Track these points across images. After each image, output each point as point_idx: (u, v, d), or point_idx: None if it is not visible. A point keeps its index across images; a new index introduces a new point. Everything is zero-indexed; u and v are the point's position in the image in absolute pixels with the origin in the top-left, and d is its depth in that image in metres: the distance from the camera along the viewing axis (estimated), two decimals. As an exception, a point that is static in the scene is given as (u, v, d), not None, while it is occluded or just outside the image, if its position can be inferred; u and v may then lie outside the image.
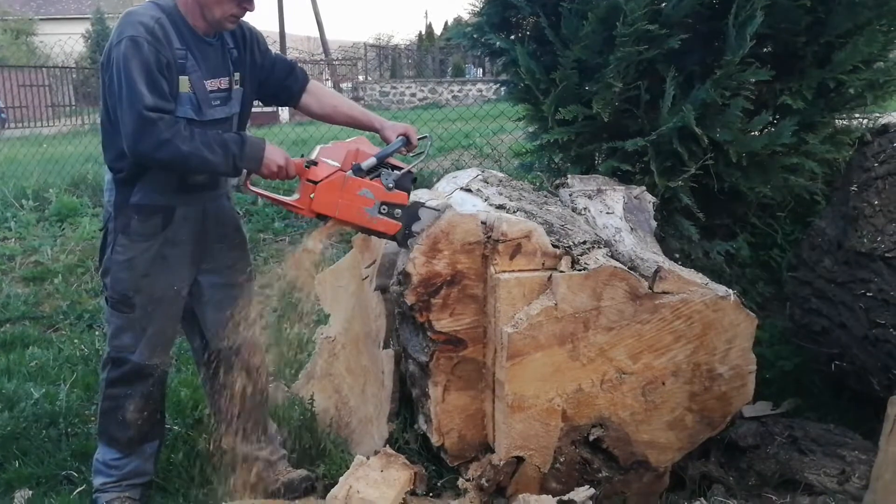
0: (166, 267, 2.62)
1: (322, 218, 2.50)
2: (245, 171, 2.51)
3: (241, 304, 2.79)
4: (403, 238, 2.55)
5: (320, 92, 2.89)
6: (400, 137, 2.64)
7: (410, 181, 2.54)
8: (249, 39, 2.69)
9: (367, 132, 2.86)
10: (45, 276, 5.60)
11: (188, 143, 2.35)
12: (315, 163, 2.46)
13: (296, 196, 2.50)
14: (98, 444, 2.81)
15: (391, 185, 2.47)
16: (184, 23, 2.48)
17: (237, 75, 2.65)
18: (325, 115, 2.87)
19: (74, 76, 20.46)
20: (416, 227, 2.53)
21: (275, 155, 2.49)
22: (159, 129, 2.31)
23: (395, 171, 2.50)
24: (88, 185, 7.63)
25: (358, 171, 2.45)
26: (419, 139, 2.68)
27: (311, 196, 2.44)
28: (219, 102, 2.58)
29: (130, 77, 2.32)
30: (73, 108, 19.27)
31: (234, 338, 2.79)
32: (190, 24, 2.50)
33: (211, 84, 2.55)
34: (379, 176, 2.48)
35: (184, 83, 2.45)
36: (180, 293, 2.69)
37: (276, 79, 2.78)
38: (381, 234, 2.56)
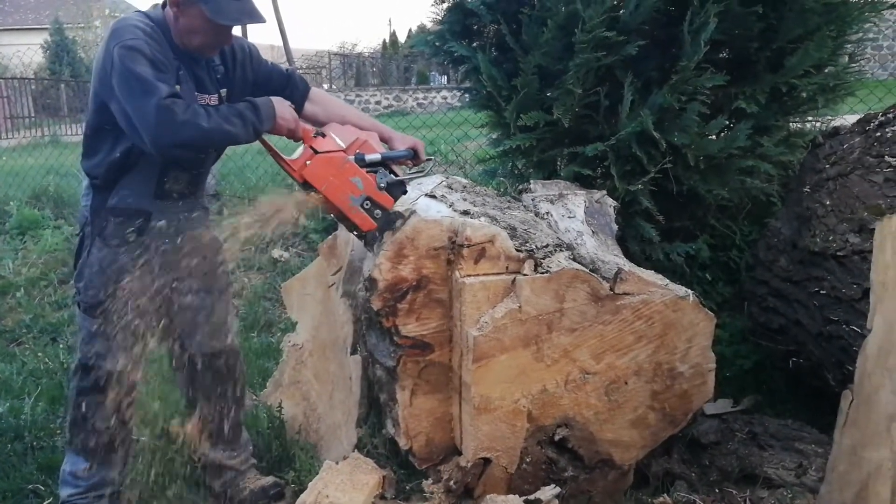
0: (139, 274, 2.59)
1: (307, 187, 2.51)
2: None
3: (219, 310, 2.78)
4: (373, 240, 2.58)
5: (325, 101, 2.87)
6: (408, 149, 2.67)
7: (401, 190, 2.57)
8: (240, 56, 2.70)
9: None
10: (6, 289, 5.53)
11: (207, 121, 2.33)
12: (323, 134, 2.50)
13: (294, 157, 2.51)
14: (66, 454, 2.77)
15: (383, 185, 2.50)
16: (171, 37, 2.49)
17: (224, 92, 2.66)
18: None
19: (33, 87, 20.15)
20: (388, 233, 2.56)
21: (285, 112, 2.50)
22: (176, 114, 2.28)
23: (390, 175, 2.53)
24: (50, 198, 7.54)
25: (360, 160, 2.49)
26: (427, 159, 2.73)
27: (307, 163, 2.47)
28: None
29: (138, 75, 2.29)
30: (33, 119, 18.96)
31: (212, 345, 2.78)
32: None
33: (200, 99, 2.55)
34: (376, 172, 2.51)
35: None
36: (154, 300, 2.66)
37: (273, 91, 2.73)
38: (354, 227, 2.57)
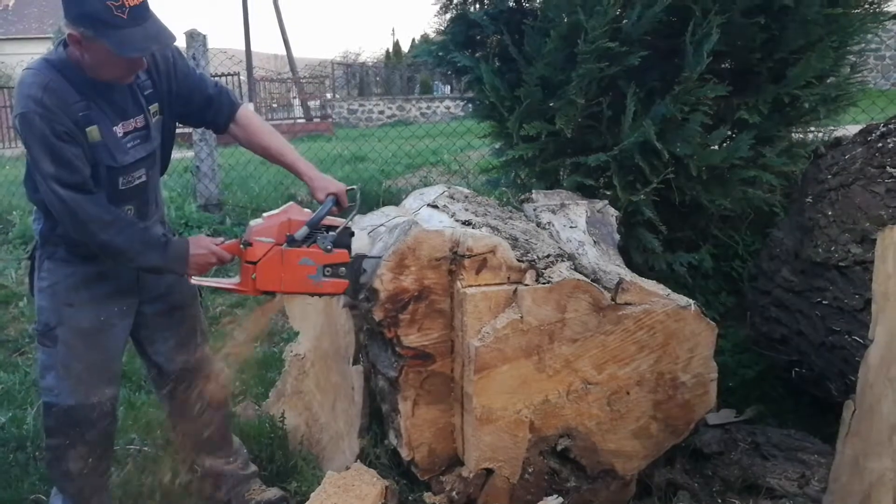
0: (91, 298, 2.51)
1: (269, 294, 2.51)
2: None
3: (189, 324, 2.74)
4: (354, 292, 2.56)
5: (251, 127, 2.68)
6: (330, 197, 2.55)
7: (348, 237, 2.52)
8: (164, 69, 2.52)
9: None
10: (9, 299, 5.54)
11: (107, 232, 2.30)
12: (250, 243, 2.44)
13: (237, 279, 2.50)
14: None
15: (329, 247, 2.45)
16: (79, 72, 2.31)
17: (154, 106, 2.51)
18: (254, 151, 2.73)
19: (38, 96, 20.16)
20: (363, 279, 2.54)
21: (201, 253, 2.44)
22: (74, 210, 2.27)
23: (330, 232, 2.48)
24: (53, 207, 7.55)
25: (293, 241, 2.44)
26: (348, 190, 2.62)
27: (253, 277, 2.44)
28: (138, 141, 2.46)
29: (33, 154, 2.26)
30: (37, 128, 18.92)
31: (186, 359, 2.74)
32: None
33: (125, 126, 2.42)
34: (315, 241, 2.46)
35: (93, 133, 2.32)
36: (111, 326, 2.56)
37: (195, 111, 2.64)
38: (331, 296, 2.57)
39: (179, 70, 2.57)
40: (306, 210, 2.55)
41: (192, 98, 2.60)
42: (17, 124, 2.27)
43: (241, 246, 2.46)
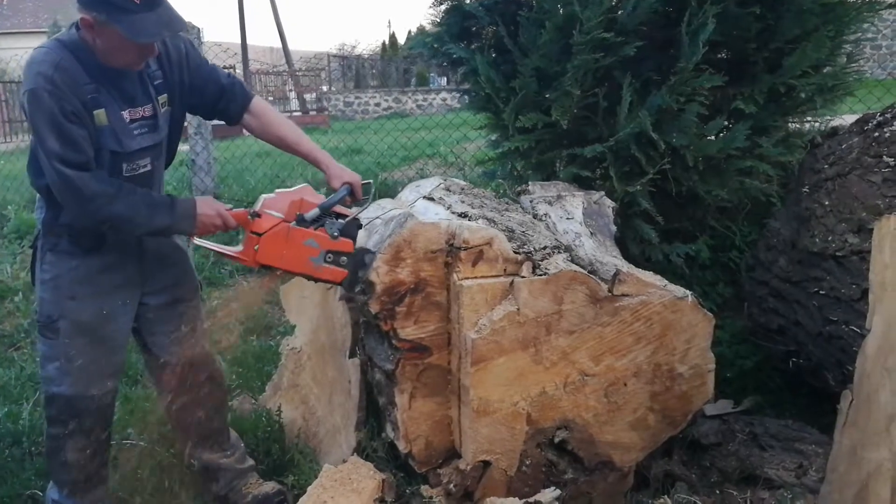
0: (94, 291, 2.51)
1: (267, 268, 2.50)
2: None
3: (189, 318, 2.74)
4: (350, 284, 2.55)
5: (266, 117, 2.69)
6: (345, 186, 2.56)
7: (356, 228, 2.52)
8: (175, 58, 2.53)
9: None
10: (5, 293, 5.53)
11: (113, 204, 2.29)
12: (258, 214, 2.44)
13: (239, 248, 2.49)
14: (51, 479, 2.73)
15: (336, 234, 2.46)
16: (90, 55, 2.32)
17: (164, 97, 2.52)
18: (269, 142, 2.73)
19: (32, 91, 20.06)
20: (362, 273, 2.53)
21: (208, 210, 2.43)
22: (78, 188, 2.25)
23: (339, 220, 2.48)
24: (48, 202, 7.52)
25: (301, 221, 2.44)
26: (363, 183, 2.63)
27: (256, 248, 2.43)
28: (146, 130, 2.47)
29: (38, 132, 2.25)
30: (32, 123, 18.86)
31: (185, 352, 2.73)
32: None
33: (132, 113, 2.43)
34: (323, 225, 2.46)
35: (100, 116, 2.33)
36: (114, 319, 2.57)
37: (208, 102, 2.64)
38: (327, 282, 2.56)
39: (192, 61, 2.58)
40: (320, 194, 2.56)
41: (206, 89, 2.62)
42: (25, 101, 2.26)
43: (249, 216, 2.46)
